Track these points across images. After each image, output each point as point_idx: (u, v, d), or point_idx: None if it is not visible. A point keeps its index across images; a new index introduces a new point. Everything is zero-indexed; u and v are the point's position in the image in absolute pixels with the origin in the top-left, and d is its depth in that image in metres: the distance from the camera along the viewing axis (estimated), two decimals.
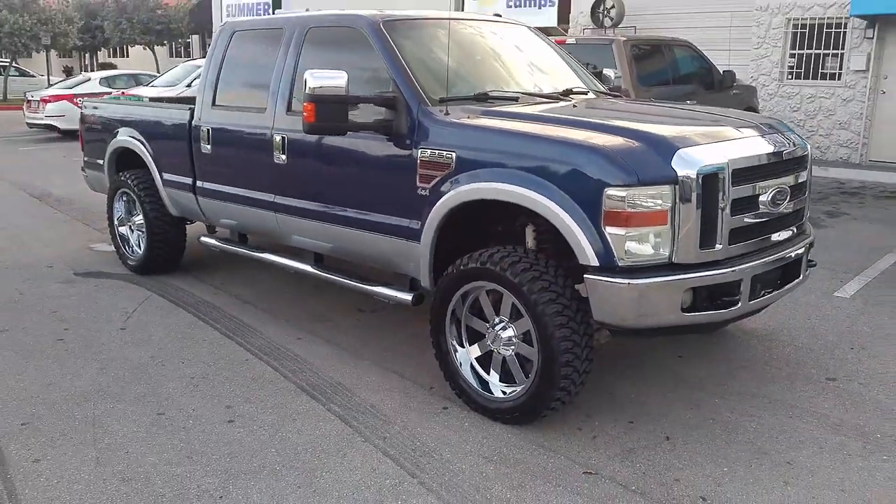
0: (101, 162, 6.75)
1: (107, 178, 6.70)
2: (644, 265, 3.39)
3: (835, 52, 12.77)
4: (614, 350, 4.63)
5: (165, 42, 31.90)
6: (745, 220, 3.63)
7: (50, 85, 24.32)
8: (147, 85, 17.01)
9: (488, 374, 3.94)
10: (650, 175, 3.34)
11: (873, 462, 3.48)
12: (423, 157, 4.01)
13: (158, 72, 25.46)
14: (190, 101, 6.82)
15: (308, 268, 5.00)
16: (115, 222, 6.64)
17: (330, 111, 3.99)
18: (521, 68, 4.98)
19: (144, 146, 6.10)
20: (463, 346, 4.02)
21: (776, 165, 3.81)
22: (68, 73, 39.29)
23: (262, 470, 3.36)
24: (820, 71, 13.00)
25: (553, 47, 5.43)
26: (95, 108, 6.87)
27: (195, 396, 4.09)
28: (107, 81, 18.13)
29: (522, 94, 4.49)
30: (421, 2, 18.00)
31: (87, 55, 40.62)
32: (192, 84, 15.77)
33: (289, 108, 4.80)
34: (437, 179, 3.96)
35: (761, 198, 3.68)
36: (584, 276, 3.44)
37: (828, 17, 12.70)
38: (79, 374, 4.38)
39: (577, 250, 3.43)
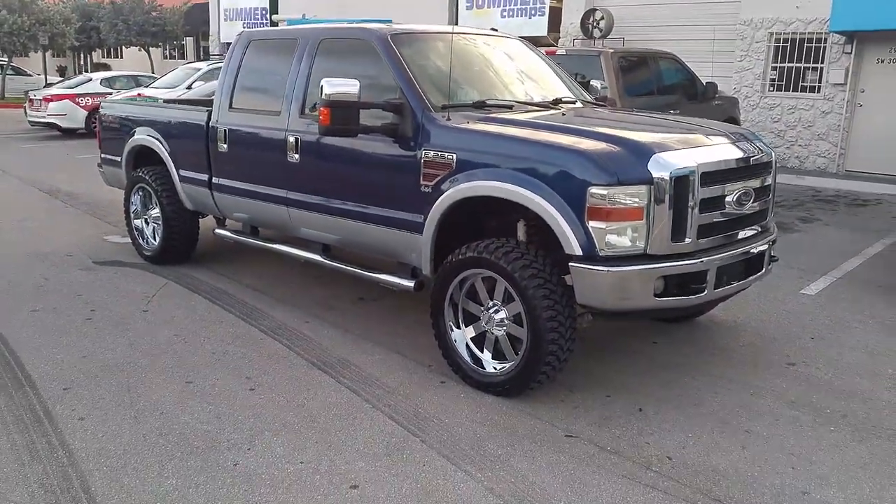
0: (118, 159, 7.18)
1: (124, 174, 7.13)
2: (622, 255, 3.86)
3: (815, 65, 13.34)
4: (594, 337, 5.10)
5: (160, 44, 32.25)
6: (713, 217, 4.11)
7: (47, 84, 24.69)
8: (147, 86, 17.42)
9: (482, 352, 4.40)
10: (628, 176, 3.82)
11: (821, 432, 3.97)
12: (426, 157, 4.47)
13: (153, 73, 25.86)
14: (203, 103, 7.30)
15: (317, 257, 5.46)
16: (131, 215, 7.06)
17: (343, 115, 4.46)
18: (515, 78, 5.46)
19: (162, 144, 6.54)
20: (459, 328, 4.48)
21: (743, 170, 4.29)
22: (62, 72, 39.57)
23: (283, 429, 3.82)
24: (800, 84, 13.56)
25: (544, 59, 5.91)
26: (114, 108, 7.30)
27: (218, 368, 4.54)
28: (108, 82, 18.53)
29: (516, 102, 4.98)
30: (414, 10, 18.56)
31: (81, 55, 40.89)
32: (193, 86, 16.22)
33: (302, 112, 5.26)
34: (438, 178, 4.42)
35: (727, 198, 4.17)
36: (570, 264, 3.91)
37: (808, 32, 13.26)
38: (110, 348, 4.82)
39: (564, 241, 3.90)
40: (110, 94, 17.21)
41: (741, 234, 4.37)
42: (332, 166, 5.10)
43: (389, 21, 19.37)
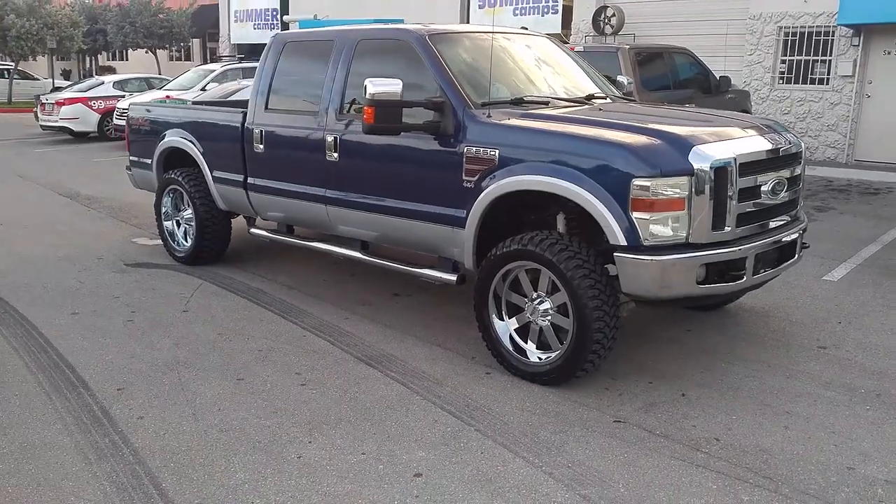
0: (148, 161, 7.29)
1: (155, 177, 7.24)
2: (665, 244, 3.97)
3: (823, 58, 13.47)
4: (632, 326, 5.20)
5: (167, 46, 32.37)
6: (750, 206, 4.22)
7: (54, 88, 24.80)
8: (160, 88, 17.53)
9: (525, 343, 4.52)
10: (670, 168, 3.93)
11: (858, 411, 4.08)
12: (468, 153, 4.58)
13: (160, 74, 25.96)
14: (233, 104, 7.41)
15: (358, 254, 5.57)
16: (162, 217, 7.17)
17: (387, 114, 4.57)
18: (547, 75, 5.57)
19: (195, 146, 6.65)
20: (503, 319, 4.60)
21: (774, 160, 4.41)
22: (66, 76, 39.69)
23: (339, 421, 3.93)
24: (809, 76, 13.69)
25: (571, 56, 6.02)
26: (144, 110, 7.41)
27: (266, 365, 4.65)
28: (120, 85, 18.63)
29: (552, 98, 5.09)
30: (425, 9, 18.65)
31: (86, 58, 40.99)
32: (207, 87, 16.34)
33: (340, 112, 5.37)
34: (480, 173, 4.53)
35: (762, 188, 4.28)
36: (614, 254, 4.02)
37: (817, 26, 13.38)
38: (156, 348, 4.93)
39: (608, 232, 4.02)
40: (122, 96, 17.33)
41: (774, 223, 4.48)
42: (372, 164, 5.21)
43: (401, 21, 19.65)
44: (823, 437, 3.79)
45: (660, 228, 3.95)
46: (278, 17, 23.54)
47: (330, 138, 5.39)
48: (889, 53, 12.82)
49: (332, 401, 4.17)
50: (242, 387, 4.35)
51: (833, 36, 13.22)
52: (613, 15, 15.18)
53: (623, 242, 3.98)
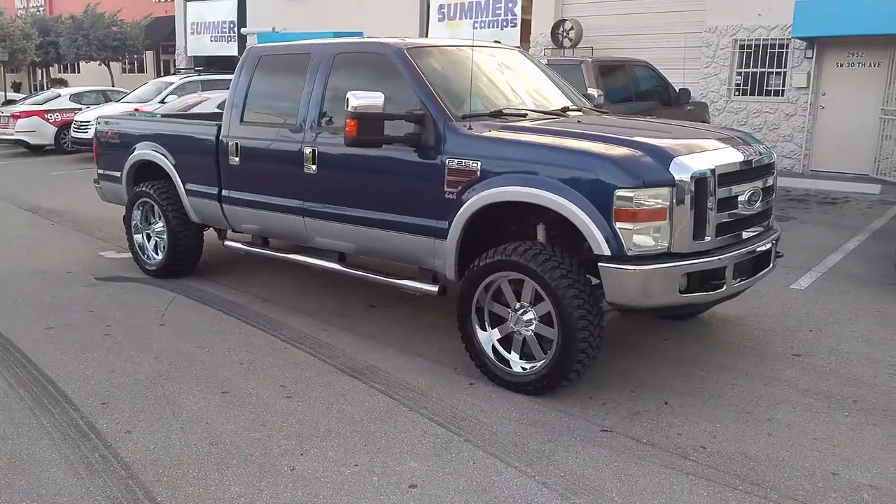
0: (118, 174, 7.18)
1: (125, 190, 7.14)
2: (648, 254, 4.05)
3: (778, 70, 13.83)
4: (611, 334, 5.26)
5: (121, 58, 31.89)
6: (727, 216, 4.33)
7: (6, 101, 24.24)
8: (118, 101, 17.28)
9: (509, 353, 4.55)
10: (652, 179, 4.01)
11: (837, 417, 4.19)
12: (450, 165, 4.62)
13: (113, 86, 25.54)
14: (203, 117, 7.35)
15: (336, 266, 5.56)
16: (132, 230, 7.06)
17: (369, 126, 4.59)
18: (522, 88, 5.64)
19: (167, 159, 6.58)
20: (485, 330, 4.63)
21: (749, 171, 4.52)
22: (17, 88, 38.79)
23: (329, 433, 3.92)
24: (764, 88, 14.04)
25: (542, 69, 6.10)
26: (113, 123, 7.30)
27: (250, 378, 4.62)
28: (76, 98, 18.33)
29: (529, 110, 5.16)
30: (385, 22, 18.68)
31: (37, 71, 40.18)
32: (166, 100, 16.15)
33: (318, 124, 5.37)
34: (462, 185, 4.57)
35: (739, 198, 4.39)
36: (599, 264, 4.09)
37: (771, 39, 13.75)
38: (137, 362, 4.86)
39: (592, 242, 4.08)
40: (79, 109, 17.05)
41: (749, 233, 4.59)
42: (352, 176, 5.21)
43: (361, 34, 19.80)
44: (806, 444, 3.89)
45: (642, 238, 4.03)
46: (235, 29, 23.38)
47: (308, 150, 5.38)
48: (842, 66, 13.23)
49: (319, 413, 4.15)
50: (228, 400, 4.31)
51: (787, 48, 13.59)
52: (572, 28, 15.40)
53: (607, 252, 4.05)
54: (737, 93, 14.33)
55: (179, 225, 6.63)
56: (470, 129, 4.67)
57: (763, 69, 14.00)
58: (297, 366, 4.83)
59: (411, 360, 4.94)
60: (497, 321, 4.61)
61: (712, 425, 4.08)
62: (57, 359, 4.89)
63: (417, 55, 5.10)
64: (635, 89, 10.67)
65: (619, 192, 3.99)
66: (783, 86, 13.80)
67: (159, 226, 6.86)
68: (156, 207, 6.80)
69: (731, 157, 4.44)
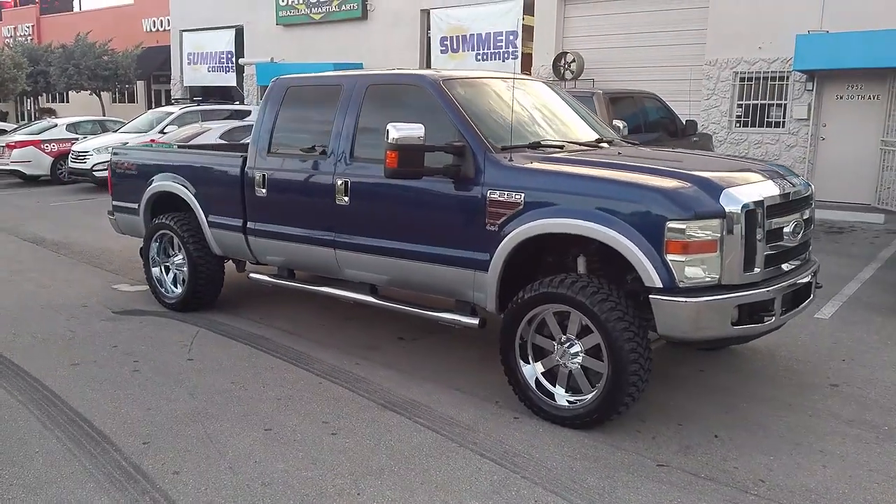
0: (134, 206, 7.11)
1: (142, 222, 7.07)
2: (699, 286, 4.03)
3: (778, 102, 13.99)
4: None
5: (112, 88, 31.85)
6: (772, 248, 4.32)
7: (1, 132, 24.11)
8: (116, 131, 17.21)
9: (553, 386, 4.50)
10: (703, 210, 4.00)
11: (888, 447, 4.16)
12: (492, 197, 4.59)
13: (104, 116, 25.46)
14: (225, 148, 7.31)
15: (369, 298, 5.50)
16: (150, 263, 6.97)
17: (410, 158, 4.57)
18: (554, 119, 5.64)
19: (189, 190, 6.52)
20: (528, 363, 4.58)
21: (794, 203, 4.53)
22: (3, 118, 38.60)
23: (382, 471, 3.83)
24: (765, 119, 14.20)
25: (569, 100, 6.10)
26: (130, 154, 7.25)
27: (290, 414, 4.53)
28: (73, 127, 18.24)
29: (566, 142, 5.16)
30: (385, 53, 18.78)
31: (25, 100, 40.04)
32: (166, 130, 16.11)
33: (352, 156, 5.34)
34: (505, 217, 4.54)
35: (785, 229, 4.39)
36: (650, 296, 4.05)
37: (771, 72, 13.93)
38: (172, 399, 4.76)
39: (644, 275, 4.05)
40: (76, 139, 16.95)
41: (791, 265, 4.59)
42: (386, 208, 5.18)
43: (360, 66, 19.92)
44: (863, 476, 3.85)
45: (694, 270, 4.01)
46: (233, 59, 23.44)
47: (340, 182, 5.35)
48: (841, 98, 13.41)
49: (368, 450, 4.07)
50: (272, 437, 4.21)
51: (788, 81, 13.77)
52: (573, 61, 15.54)
53: (658, 284, 4.02)
54: (738, 124, 14.48)
55: (201, 257, 6.55)
56: (511, 160, 4.65)
57: (764, 101, 14.17)
58: (336, 401, 4.75)
59: (450, 394, 4.87)
60: (540, 354, 4.56)
61: (766, 458, 4.04)
62: (88, 396, 4.78)
63: (452, 87, 5.10)
64: (644, 120, 10.73)
65: (671, 224, 3.98)
66: (784, 117, 13.96)
67: (179, 258, 6.78)
68: (175, 239, 6.73)
69: (774, 188, 4.45)
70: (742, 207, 4.06)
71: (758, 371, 5.34)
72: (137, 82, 33.91)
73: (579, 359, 4.36)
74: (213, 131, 14.78)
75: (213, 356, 5.57)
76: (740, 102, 14.44)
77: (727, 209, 4.03)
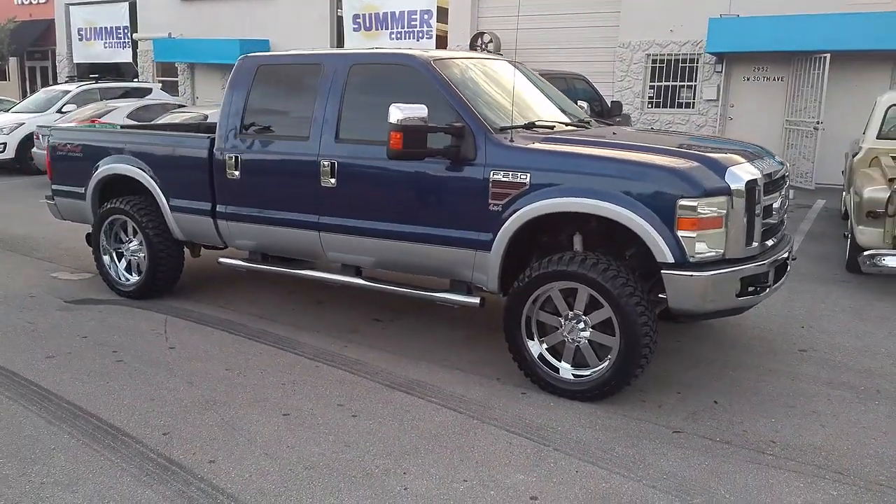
0: (80, 190, 6.73)
1: (89, 207, 6.70)
2: (707, 261, 4.23)
3: (689, 83, 14.63)
4: None
5: None
6: (767, 223, 4.58)
7: None
8: (8, 111, 16.12)
9: (559, 361, 4.62)
10: (712, 188, 4.19)
11: (870, 406, 4.52)
12: (495, 178, 4.63)
13: None
14: (160, 127, 7.02)
15: (359, 281, 5.44)
16: (101, 250, 6.64)
17: (414, 139, 4.55)
18: (533, 100, 5.72)
19: (146, 173, 6.23)
20: (533, 340, 4.68)
21: (778, 181, 4.80)
22: None
23: (417, 451, 3.85)
24: (676, 100, 14.83)
25: (538, 81, 6.18)
26: (74, 136, 6.85)
27: (302, 399, 4.46)
28: None
29: (556, 122, 5.26)
30: (292, 29, 18.32)
31: None
32: (65, 109, 15.24)
33: (337, 137, 5.25)
34: (510, 197, 4.60)
35: (773, 206, 4.66)
36: (662, 272, 4.22)
37: (682, 54, 14.54)
38: (170, 388, 4.59)
39: (656, 251, 4.21)
40: None
41: (774, 240, 4.87)
42: (379, 190, 5.13)
43: (267, 42, 19.40)
44: (859, 433, 4.16)
45: (702, 245, 4.20)
46: (129, 34, 22.31)
47: (326, 164, 5.25)
48: (748, 80, 14.16)
49: (396, 430, 4.07)
50: (294, 422, 4.15)
51: (698, 63, 14.42)
52: (491, 41, 15.69)
53: (670, 260, 4.19)
54: (650, 105, 15.06)
55: (161, 243, 6.29)
56: (512, 141, 4.71)
57: (674, 83, 14.77)
58: (341, 384, 4.70)
59: (451, 373, 4.92)
60: (542, 330, 4.66)
61: (768, 420, 4.30)
62: (81, 389, 4.54)
63: (444, 67, 5.10)
64: (574, 100, 10.96)
65: (682, 202, 4.14)
66: (694, 98, 14.62)
67: (134, 244, 6.49)
68: (130, 225, 6.44)
69: (764, 167, 4.69)
70: (745, 185, 4.28)
71: (731, 341, 5.65)
72: (10, 59, 31.74)
73: (587, 333, 4.49)
74: (120, 110, 14.12)
75: (193, 344, 5.39)
76: (652, 84, 15.02)
77: (732, 186, 4.23)
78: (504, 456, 3.82)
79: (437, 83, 4.95)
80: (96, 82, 16.85)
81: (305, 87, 5.50)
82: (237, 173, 5.70)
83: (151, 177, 6.23)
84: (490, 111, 4.95)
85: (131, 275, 6.59)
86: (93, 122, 12.54)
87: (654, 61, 14.92)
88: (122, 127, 7.85)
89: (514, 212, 4.57)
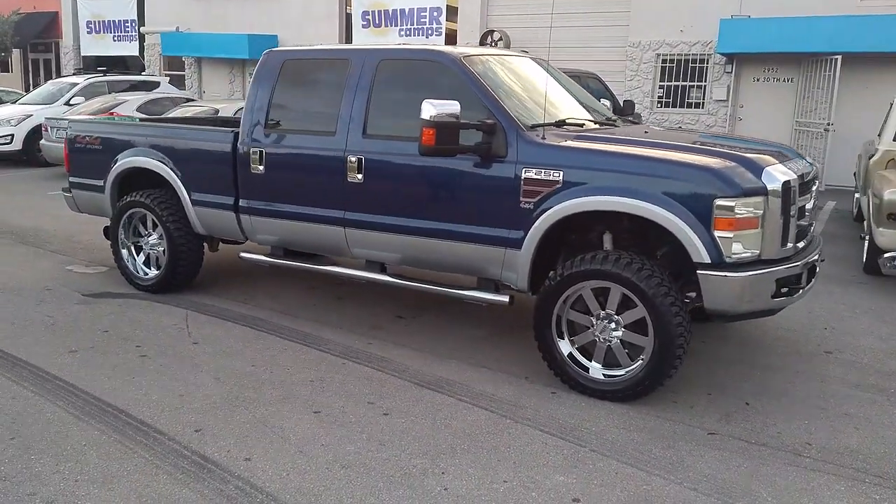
0: (99, 183, 6.69)
1: (108, 200, 6.66)
2: (743, 261, 4.20)
3: (699, 84, 14.61)
4: None
5: None
6: (800, 224, 4.55)
7: None
8: (15, 102, 16.04)
9: (590, 361, 4.59)
10: (749, 188, 4.16)
11: None
12: (528, 175, 4.60)
13: None
14: (180, 120, 6.98)
15: (385, 278, 5.41)
16: (119, 244, 6.60)
17: (447, 135, 4.52)
18: (562, 98, 5.68)
19: (169, 166, 6.19)
20: (562, 339, 4.64)
21: (808, 183, 4.78)
22: None
23: (454, 450, 3.81)
24: (686, 100, 14.81)
25: (561, 78, 6.14)
26: (93, 128, 6.80)
27: (331, 396, 4.42)
28: None
29: (586, 120, 5.23)
30: (301, 25, 18.27)
31: None
32: (72, 101, 15.18)
33: (364, 132, 5.21)
34: (542, 195, 4.56)
35: (806, 206, 4.63)
36: (698, 272, 4.19)
37: (692, 54, 14.52)
38: (197, 384, 4.55)
39: (692, 251, 4.18)
40: None
41: (804, 242, 4.84)
42: (406, 186, 5.10)
43: (275, 38, 19.35)
44: (892, 436, 4.14)
45: (738, 246, 4.17)
46: (136, 28, 22.23)
47: (353, 159, 5.21)
48: (758, 80, 14.14)
49: (429, 429, 4.04)
50: (325, 419, 4.11)
51: (708, 63, 14.39)
52: (500, 39, 15.66)
53: (707, 260, 4.16)
54: (659, 105, 15.03)
55: (182, 237, 6.25)
56: (544, 138, 4.68)
57: (684, 82, 14.75)
58: (370, 381, 4.67)
59: (479, 371, 4.89)
60: (572, 330, 4.63)
61: (802, 422, 4.28)
62: (107, 384, 4.50)
63: (474, 63, 5.07)
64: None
65: (720, 202, 4.11)
66: (703, 98, 14.60)
67: (154, 238, 6.45)
68: (150, 218, 6.39)
69: (797, 168, 4.67)
70: (781, 185, 4.25)
71: (754, 341, 5.62)
72: (13, 51, 31.61)
73: (619, 333, 4.46)
74: (129, 103, 14.05)
75: (217, 339, 5.35)
76: (662, 83, 14.99)
77: (769, 187, 4.21)
78: (541, 456, 3.79)
79: (467, 79, 4.92)
80: (104, 75, 16.77)
81: (332, 82, 5.46)
82: (261, 168, 5.67)
83: (173, 170, 6.19)
84: (520, 108, 4.91)
85: (150, 269, 6.55)
86: (111, 114, 12.48)
87: (663, 61, 14.90)
88: (141, 120, 7.79)
89: (547, 210, 4.54)
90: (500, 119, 4.74)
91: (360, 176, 5.22)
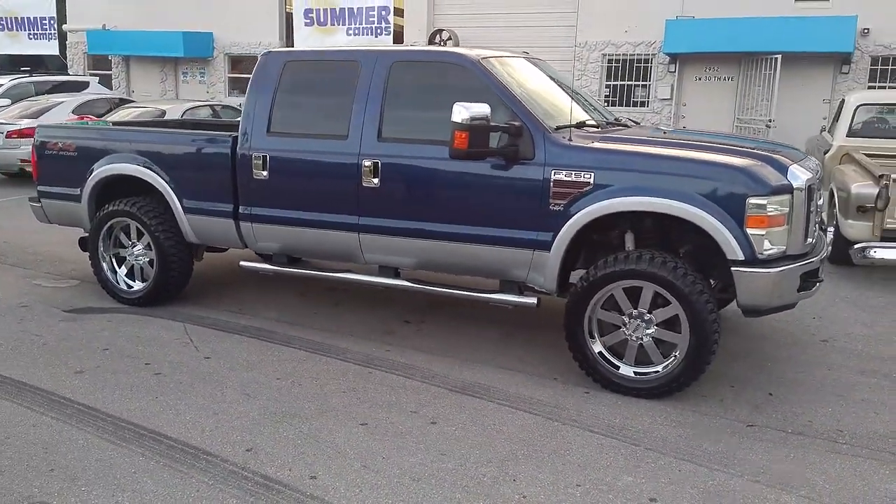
0: (74, 192, 6.36)
1: (85, 209, 6.34)
2: (772, 257, 4.33)
3: (643, 83, 14.96)
4: None
5: None
6: (815, 220, 4.72)
7: None
8: None
9: (621, 359, 4.64)
10: (778, 186, 4.30)
11: None
12: (557, 177, 4.62)
13: None
14: (163, 124, 6.74)
15: (405, 283, 5.33)
16: (99, 256, 6.29)
17: (479, 138, 4.50)
18: (567, 99, 5.71)
19: (156, 173, 5.94)
20: (593, 338, 4.69)
21: (819, 181, 4.96)
22: None
23: (515, 457, 3.79)
24: (632, 99, 15.14)
25: (564, 80, 6.18)
26: (67, 133, 6.46)
27: (371, 407, 4.33)
28: None
29: (605, 123, 5.29)
30: (237, 22, 17.80)
31: None
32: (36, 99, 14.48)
33: (380, 136, 5.13)
34: (572, 196, 4.59)
35: (819, 203, 4.81)
36: (732, 269, 4.29)
37: (637, 54, 14.86)
38: (230, 401, 4.38)
39: (726, 248, 4.28)
40: None
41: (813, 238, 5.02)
42: (428, 189, 5.03)
43: (210, 35, 18.93)
44: None
45: (769, 243, 4.30)
46: (55, 25, 21.24)
47: (368, 163, 5.13)
48: (700, 79, 14.59)
49: (482, 436, 4.01)
50: (374, 431, 4.03)
51: (652, 63, 14.76)
52: (449, 38, 15.66)
53: (741, 257, 4.27)
54: (606, 103, 15.31)
55: (172, 246, 6.01)
56: (570, 140, 4.71)
57: (630, 82, 15.08)
58: (404, 390, 4.60)
59: (505, 374, 4.88)
60: (601, 328, 4.68)
61: (827, 410, 4.44)
62: (130, 406, 4.29)
63: (493, 65, 5.06)
64: None
65: (752, 200, 4.23)
66: (648, 97, 14.96)
67: (139, 248, 6.17)
68: (134, 228, 6.12)
69: (812, 167, 4.84)
70: (805, 183, 4.40)
71: (756, 333, 5.80)
72: None
73: (651, 331, 4.52)
74: (65, 104, 13.45)
75: (228, 352, 5.18)
76: (608, 83, 15.29)
77: (794, 185, 4.35)
78: (602, 457, 3.81)
79: (490, 82, 4.91)
80: (30, 76, 15.98)
81: (340, 84, 5.34)
82: (265, 173, 5.50)
83: (162, 177, 5.94)
84: (543, 110, 4.93)
85: (134, 281, 6.28)
86: (83, 118, 11.93)
87: (609, 61, 15.21)
88: (115, 123, 7.44)
89: (578, 211, 4.57)
90: (526, 121, 4.74)
91: (376, 180, 5.13)
